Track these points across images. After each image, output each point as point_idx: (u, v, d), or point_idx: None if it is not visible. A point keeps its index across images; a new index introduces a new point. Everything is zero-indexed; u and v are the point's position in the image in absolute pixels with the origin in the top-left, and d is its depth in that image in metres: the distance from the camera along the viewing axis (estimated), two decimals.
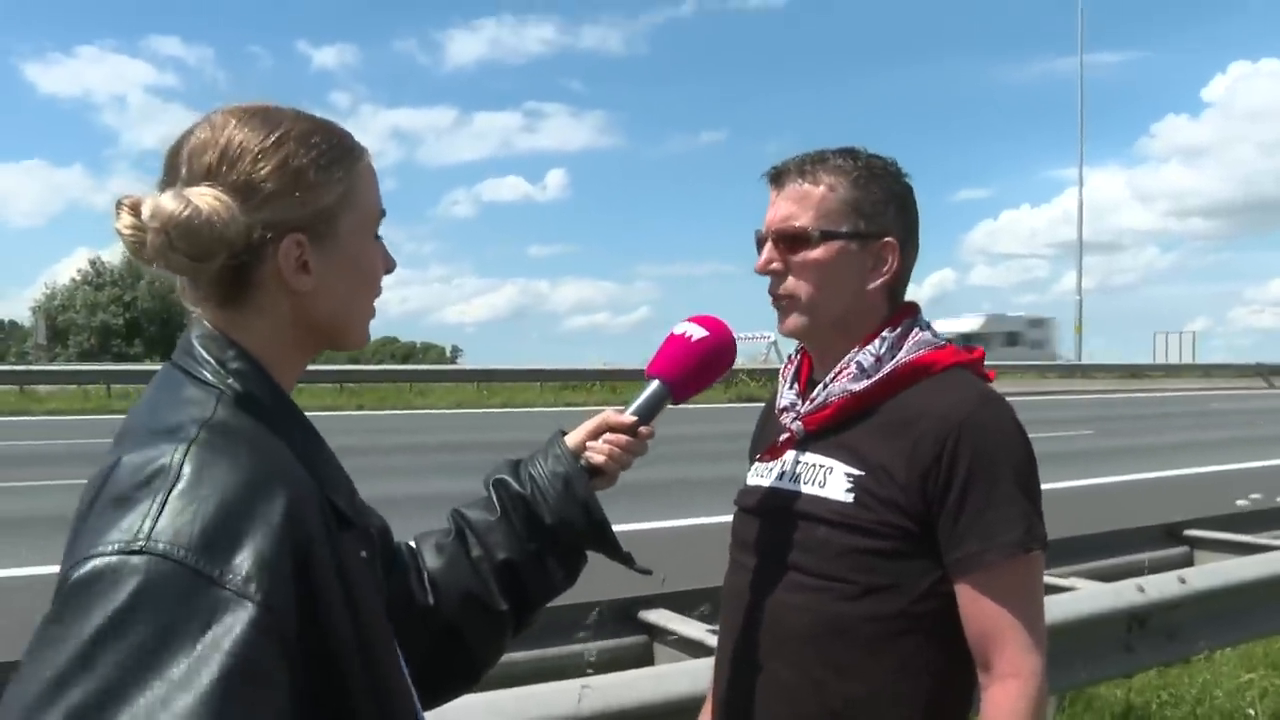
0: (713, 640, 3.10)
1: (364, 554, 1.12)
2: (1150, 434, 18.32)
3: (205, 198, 1.03)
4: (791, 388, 1.66)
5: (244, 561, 0.91)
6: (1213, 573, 3.94)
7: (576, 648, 3.24)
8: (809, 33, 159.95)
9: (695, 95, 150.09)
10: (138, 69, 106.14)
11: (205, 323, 1.11)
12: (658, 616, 3.34)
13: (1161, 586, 3.68)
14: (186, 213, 1.02)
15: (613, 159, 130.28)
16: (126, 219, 1.06)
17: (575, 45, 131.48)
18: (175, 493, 0.92)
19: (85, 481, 1.00)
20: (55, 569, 0.94)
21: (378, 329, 1.29)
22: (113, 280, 51.72)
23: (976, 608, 1.45)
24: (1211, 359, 46.89)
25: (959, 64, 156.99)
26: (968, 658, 1.48)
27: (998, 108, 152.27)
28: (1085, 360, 40.63)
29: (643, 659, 3.32)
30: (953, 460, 1.44)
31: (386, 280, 1.22)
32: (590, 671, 2.98)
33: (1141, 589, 3.61)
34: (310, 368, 1.21)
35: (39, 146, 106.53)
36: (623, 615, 3.41)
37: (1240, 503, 7.83)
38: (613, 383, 28.16)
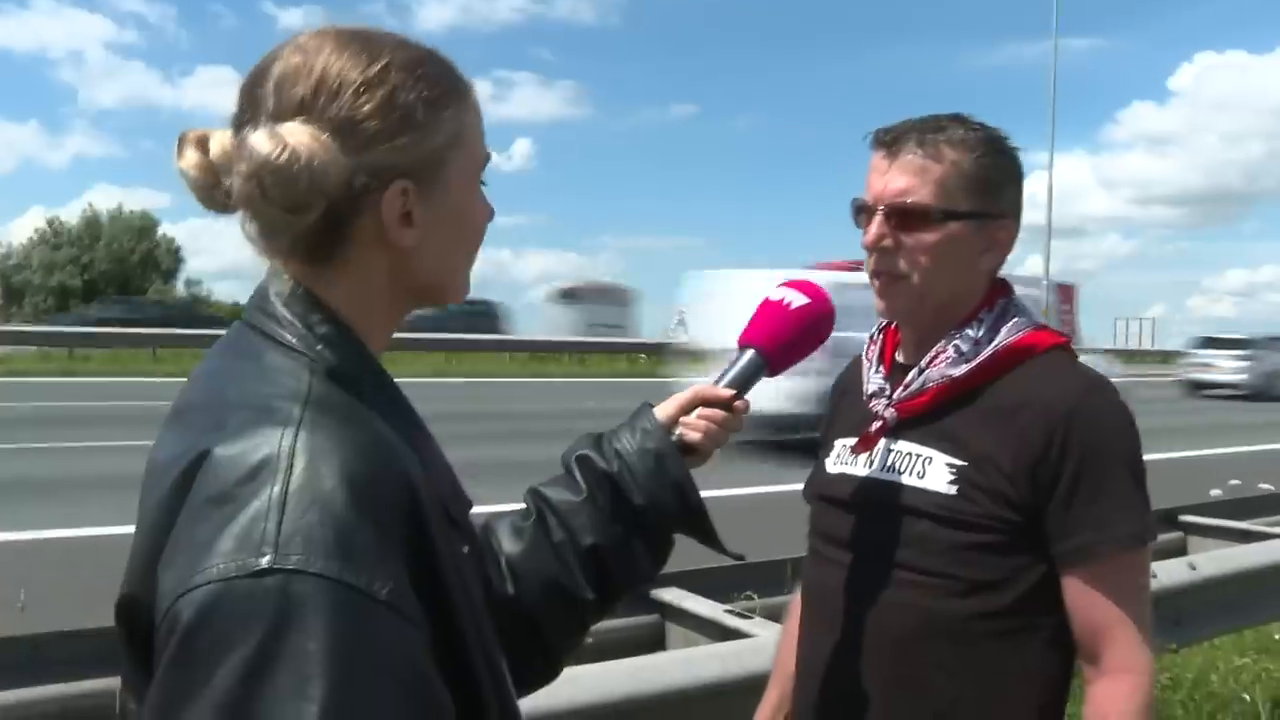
0: (730, 620, 3.04)
1: (465, 549, 0.99)
2: None
3: (302, 137, 0.87)
4: (878, 370, 1.55)
5: (385, 565, 0.79)
6: (1221, 559, 3.95)
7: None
8: (783, 11, 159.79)
9: (666, 68, 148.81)
10: (96, 24, 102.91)
11: (286, 277, 0.95)
12: (671, 595, 3.27)
13: (1172, 572, 3.67)
14: (284, 156, 0.86)
15: (581, 130, 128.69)
16: (192, 156, 0.93)
17: (547, 14, 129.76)
18: (293, 489, 0.78)
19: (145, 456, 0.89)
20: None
21: None
22: (70, 240, 50.83)
23: (1086, 600, 1.37)
24: (1169, 347, 47.50)
25: (929, 46, 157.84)
26: (1071, 654, 1.41)
27: (966, 90, 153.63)
28: None
29: (655, 638, 3.25)
30: (1063, 450, 1.36)
31: None
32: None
33: (1154, 574, 3.57)
34: None
35: None
36: (633, 594, 3.33)
37: (1232, 482, 7.87)
38: (582, 354, 28.09)
